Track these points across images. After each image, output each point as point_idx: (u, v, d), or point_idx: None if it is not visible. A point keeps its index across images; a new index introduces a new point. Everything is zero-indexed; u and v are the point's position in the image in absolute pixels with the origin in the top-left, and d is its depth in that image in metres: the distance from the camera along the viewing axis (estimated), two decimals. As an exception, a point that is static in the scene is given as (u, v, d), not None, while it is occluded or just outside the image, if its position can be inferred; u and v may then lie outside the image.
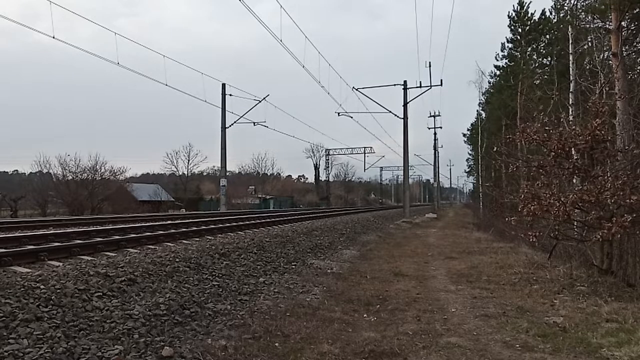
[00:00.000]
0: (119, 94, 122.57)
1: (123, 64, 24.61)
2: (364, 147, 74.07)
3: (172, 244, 10.68)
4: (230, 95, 36.00)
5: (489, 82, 42.06)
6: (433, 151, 70.82)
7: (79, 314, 5.68)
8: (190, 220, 17.66)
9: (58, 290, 6.01)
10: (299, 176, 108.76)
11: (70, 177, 45.78)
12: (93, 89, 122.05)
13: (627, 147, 10.24)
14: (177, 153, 72.04)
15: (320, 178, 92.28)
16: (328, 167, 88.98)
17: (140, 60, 47.83)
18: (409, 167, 42.22)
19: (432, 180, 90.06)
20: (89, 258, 8.31)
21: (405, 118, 37.31)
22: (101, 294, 6.34)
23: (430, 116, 63.13)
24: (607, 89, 16.09)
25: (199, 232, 13.04)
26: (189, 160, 71.94)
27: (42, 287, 6.00)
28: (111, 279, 6.84)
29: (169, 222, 17.12)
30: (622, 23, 15.37)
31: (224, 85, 35.68)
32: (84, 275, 6.72)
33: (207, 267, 8.97)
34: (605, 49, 17.19)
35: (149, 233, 11.93)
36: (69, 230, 12.52)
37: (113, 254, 8.86)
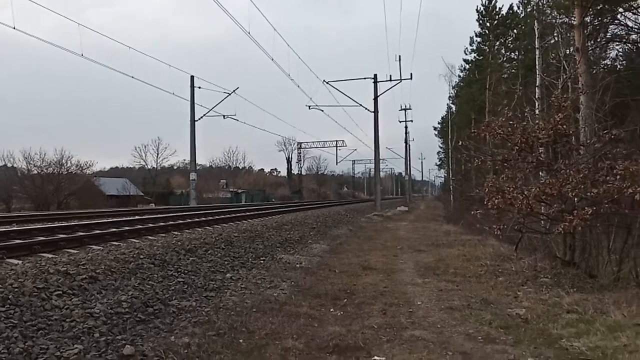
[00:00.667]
0: (84, 87, 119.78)
1: (87, 55, 24.05)
2: (336, 141, 74.28)
3: (137, 240, 10.51)
4: (199, 87, 35.76)
5: (459, 76, 42.54)
6: (404, 144, 71.36)
7: (38, 313, 5.55)
8: (158, 216, 17.44)
9: (16, 289, 5.85)
10: (271, 169, 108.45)
11: (36, 172, 44.82)
12: (57, 81, 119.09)
13: (589, 141, 10.45)
14: (145, 147, 70.69)
15: (292, 171, 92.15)
16: (300, 160, 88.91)
17: (106, 51, 46.87)
18: (381, 161, 42.46)
19: (403, 174, 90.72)
20: (50, 256, 8.12)
21: (375, 112, 37.45)
22: (61, 292, 6.19)
23: (402, 109, 63.35)
24: (570, 83, 16.41)
25: (166, 227, 12.88)
26: (157, 154, 70.81)
27: (-1, 286, 5.84)
28: (72, 277, 6.69)
29: (136, 217, 16.88)
30: (586, 19, 15.69)
31: (192, 77, 35.41)
32: (44, 274, 6.57)
33: (172, 263, 8.86)
34: (570, 44, 17.51)
35: (114, 229, 11.73)
36: (31, 227, 12.23)
37: (75, 251, 8.68)
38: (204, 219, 16.24)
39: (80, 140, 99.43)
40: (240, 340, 5.76)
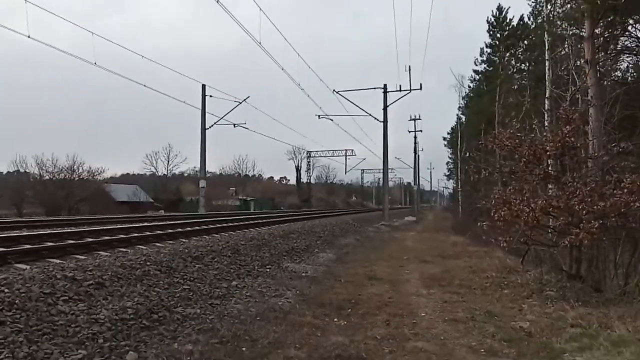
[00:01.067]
0: (97, 94, 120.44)
1: (100, 64, 24.26)
2: (345, 150, 74.17)
3: (145, 247, 10.58)
4: (210, 96, 35.88)
5: (469, 87, 42.44)
6: (414, 154, 71.06)
7: (43, 318, 5.62)
8: (166, 222, 17.54)
9: (23, 294, 5.93)
10: (280, 178, 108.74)
11: (48, 177, 45.27)
12: (71, 89, 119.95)
13: (597, 154, 10.41)
14: (156, 154, 71.38)
15: (301, 180, 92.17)
16: (309, 169, 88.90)
17: (118, 60, 47.28)
18: (390, 170, 42.40)
19: (412, 183, 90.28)
20: (58, 261, 8.19)
21: (385, 121, 37.47)
22: (67, 297, 6.28)
23: (411, 119, 63.20)
24: (579, 96, 16.35)
25: (173, 234, 12.94)
26: (168, 161, 71.34)
27: (6, 290, 5.92)
28: (78, 283, 6.77)
29: (145, 223, 16.98)
30: (596, 31, 15.65)
31: (203, 86, 35.57)
32: (51, 279, 6.65)
33: (178, 270, 8.93)
34: (580, 55, 17.46)
35: (122, 235, 11.83)
36: (41, 232, 12.34)
37: (83, 257, 8.75)
38: (212, 226, 16.29)
39: (92, 147, 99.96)
40: (243, 349, 5.80)
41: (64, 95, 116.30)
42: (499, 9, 33.81)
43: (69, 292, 6.43)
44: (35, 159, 45.85)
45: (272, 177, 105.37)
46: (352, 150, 74.07)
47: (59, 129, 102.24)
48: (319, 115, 38.71)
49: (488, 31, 34.60)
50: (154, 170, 72.73)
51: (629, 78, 21.63)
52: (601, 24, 16.14)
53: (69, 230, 12.95)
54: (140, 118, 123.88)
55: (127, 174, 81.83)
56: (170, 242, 11.87)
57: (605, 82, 18.87)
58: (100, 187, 51.94)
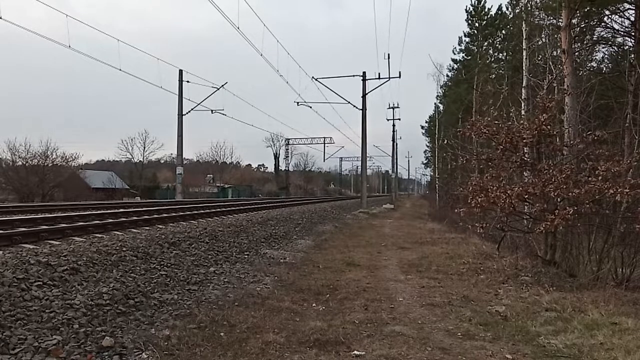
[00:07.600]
0: (71, 78, 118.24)
1: (74, 47, 23.75)
2: (324, 138, 74.19)
3: (121, 233, 10.43)
4: (188, 82, 35.31)
5: (447, 76, 42.71)
6: (392, 142, 71.30)
7: (17, 304, 5.49)
8: (142, 209, 17.32)
9: (-6, 280, 5.80)
10: (258, 165, 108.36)
11: (20, 163, 44.26)
12: (44, 72, 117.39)
13: (572, 142, 10.56)
14: (132, 140, 69.89)
15: (280, 167, 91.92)
16: (288, 156, 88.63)
17: (93, 43, 46.38)
18: (368, 158, 42.50)
19: (390, 171, 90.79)
20: (31, 246, 8.03)
21: (363, 109, 37.45)
22: (41, 283, 6.15)
23: (390, 108, 63.53)
24: (556, 85, 16.55)
25: (150, 220, 12.78)
26: (144, 148, 69.99)
27: (-23, 276, 5.79)
28: (53, 268, 6.64)
29: (121, 210, 16.74)
30: (573, 21, 15.82)
31: (180, 71, 35.02)
32: (24, 264, 6.51)
33: (155, 256, 8.82)
34: (557, 45, 17.65)
35: (97, 221, 11.65)
36: (14, 217, 12.10)
37: (57, 243, 8.60)
38: (189, 213, 16.12)
39: (66, 133, 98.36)
40: (221, 334, 5.76)
41: (37, 79, 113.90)
42: (478, -3, 33.99)
43: (43, 277, 6.30)
44: (8, 143, 44.74)
45: (250, 165, 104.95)
46: (330, 138, 74.20)
47: (32, 114, 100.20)
48: (297, 103, 38.53)
49: (467, 20, 34.85)
50: (130, 157, 71.45)
51: (604, 68, 22.01)
52: (578, 14, 16.33)
53: (43, 216, 12.69)
54: (116, 103, 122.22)
55: (102, 160, 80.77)
56: (147, 228, 11.72)
57: (581, 72, 19.15)
58: (74, 173, 51.03)
